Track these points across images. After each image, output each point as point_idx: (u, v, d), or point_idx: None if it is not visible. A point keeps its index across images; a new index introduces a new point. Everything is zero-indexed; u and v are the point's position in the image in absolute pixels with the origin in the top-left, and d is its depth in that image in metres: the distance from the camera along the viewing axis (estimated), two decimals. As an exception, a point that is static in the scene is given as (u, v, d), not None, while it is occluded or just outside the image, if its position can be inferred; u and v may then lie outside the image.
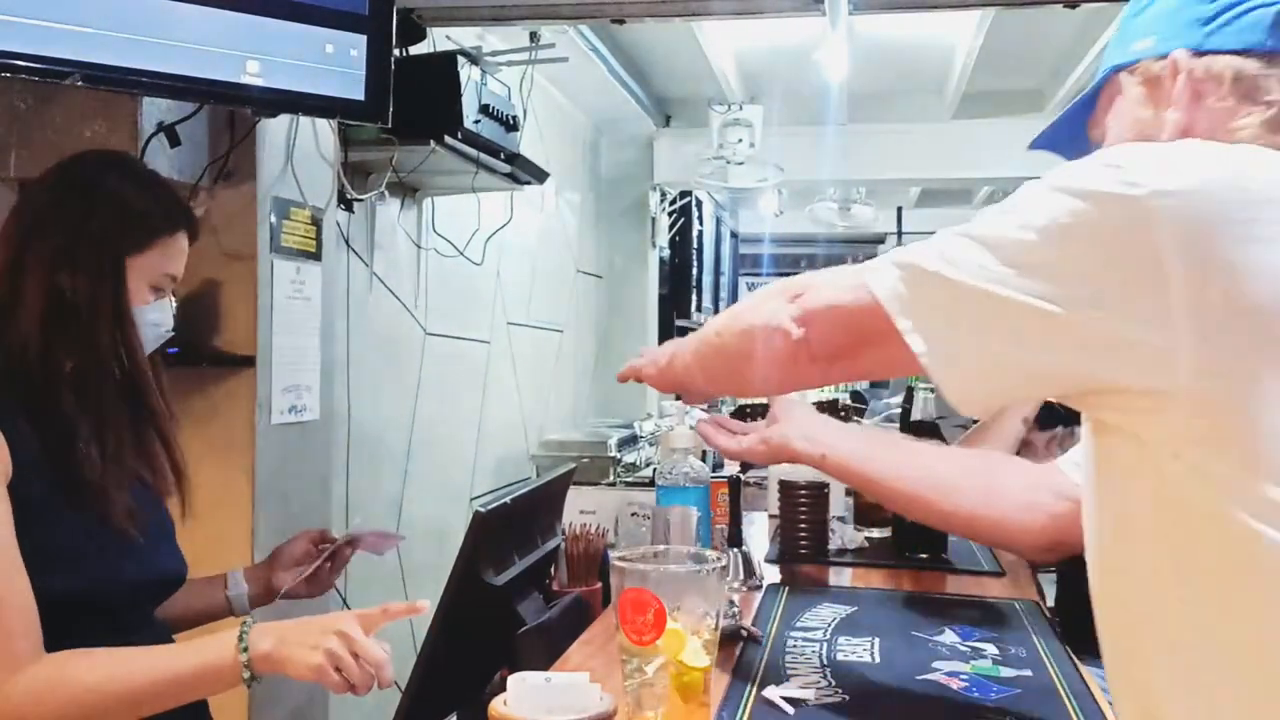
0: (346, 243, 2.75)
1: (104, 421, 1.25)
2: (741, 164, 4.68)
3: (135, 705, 1.15)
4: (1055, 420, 1.94)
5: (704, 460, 1.72)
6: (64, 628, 1.14)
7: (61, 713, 1.11)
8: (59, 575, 1.16)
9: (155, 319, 1.33)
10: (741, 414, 3.26)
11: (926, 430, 1.79)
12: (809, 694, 1.10)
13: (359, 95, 1.82)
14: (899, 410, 2.50)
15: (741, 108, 4.65)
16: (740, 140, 4.61)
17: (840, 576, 1.71)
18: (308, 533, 1.57)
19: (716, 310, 7.10)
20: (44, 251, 1.25)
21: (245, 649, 1.14)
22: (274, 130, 2.11)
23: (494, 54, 2.97)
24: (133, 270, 1.29)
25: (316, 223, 2.26)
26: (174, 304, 1.37)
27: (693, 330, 1.22)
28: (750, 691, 1.12)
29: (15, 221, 1.29)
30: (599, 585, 1.58)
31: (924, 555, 1.76)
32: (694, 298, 6.24)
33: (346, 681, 1.12)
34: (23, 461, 1.16)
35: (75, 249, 1.25)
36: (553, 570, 1.56)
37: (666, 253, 6.01)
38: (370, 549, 1.55)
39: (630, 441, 4.40)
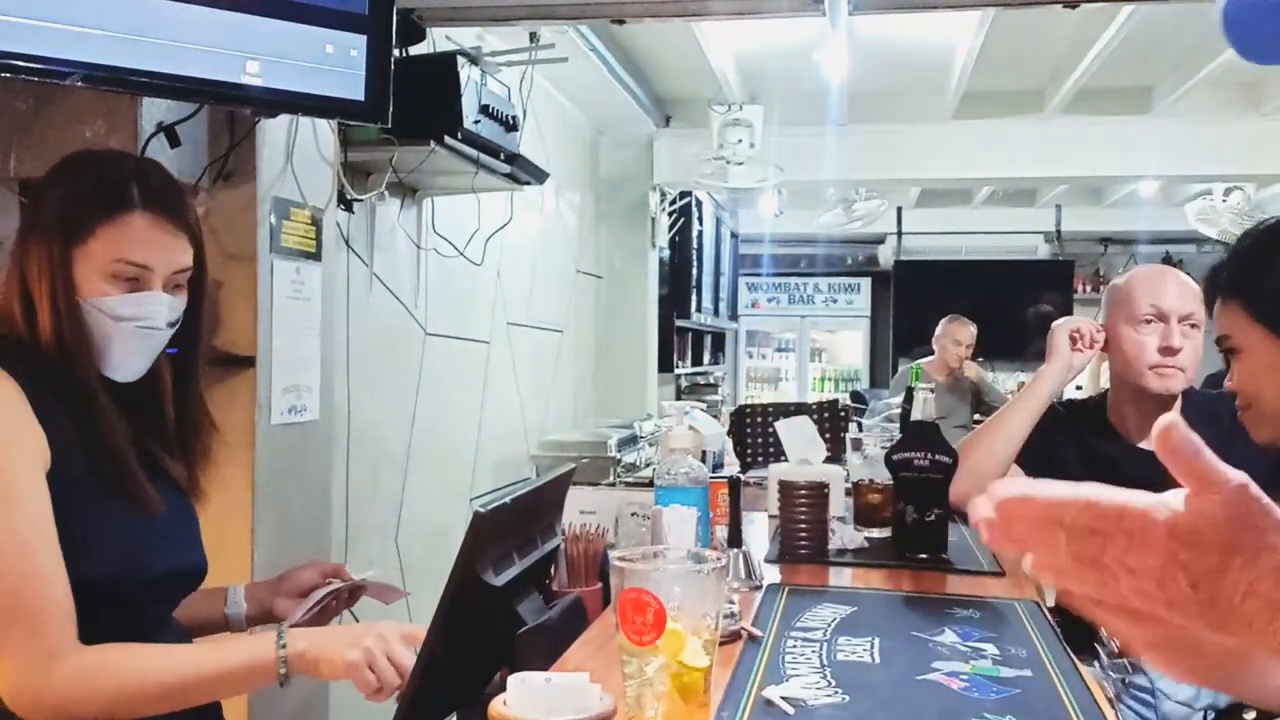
0: (346, 243, 2.75)
1: (88, 414, 1.23)
2: (741, 164, 4.69)
3: (180, 694, 1.18)
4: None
5: (703, 460, 1.72)
6: (88, 619, 1.15)
7: (107, 695, 1.13)
8: (88, 562, 1.16)
9: (131, 313, 1.24)
10: (741, 415, 3.26)
11: (926, 431, 1.78)
12: (809, 694, 1.10)
13: (359, 95, 1.82)
14: (899, 410, 2.50)
15: (741, 108, 4.66)
16: (740, 140, 4.62)
17: (840, 576, 1.70)
18: (319, 564, 1.56)
19: (716, 312, 7.08)
20: (19, 247, 1.25)
21: (284, 646, 1.20)
22: (274, 130, 2.11)
23: (494, 54, 2.97)
24: (82, 260, 1.22)
25: (316, 223, 2.26)
26: (171, 298, 1.27)
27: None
28: (750, 691, 1.12)
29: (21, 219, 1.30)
30: (599, 585, 1.58)
31: (924, 555, 1.75)
32: (694, 298, 6.25)
33: (375, 682, 1.19)
34: (59, 449, 1.17)
35: (28, 243, 1.24)
36: (553, 570, 1.56)
37: (666, 253, 6.02)
38: (375, 597, 1.56)
39: (630, 441, 4.40)
